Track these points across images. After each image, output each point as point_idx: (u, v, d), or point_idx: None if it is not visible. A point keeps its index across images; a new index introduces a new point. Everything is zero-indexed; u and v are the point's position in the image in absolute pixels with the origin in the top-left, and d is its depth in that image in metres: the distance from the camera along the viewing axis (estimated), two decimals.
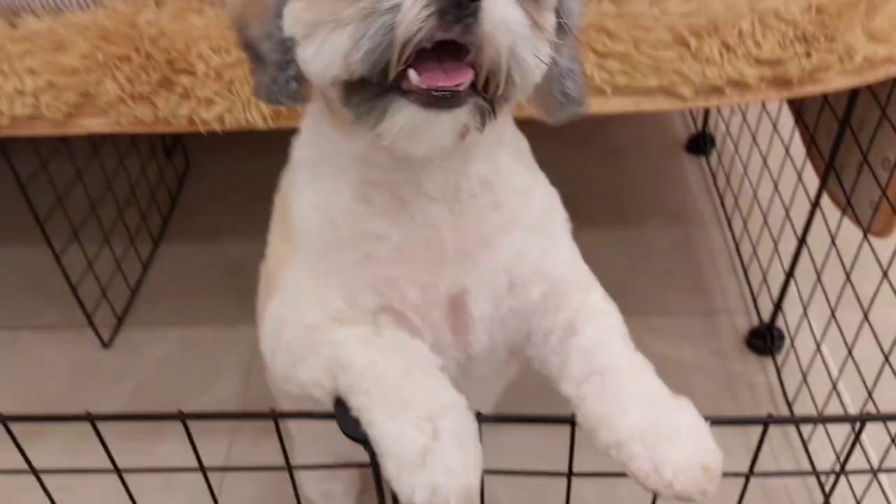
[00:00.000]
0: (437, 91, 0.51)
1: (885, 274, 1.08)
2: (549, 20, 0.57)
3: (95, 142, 1.55)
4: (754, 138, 1.56)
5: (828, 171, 1.22)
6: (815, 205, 1.26)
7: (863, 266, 1.15)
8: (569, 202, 1.93)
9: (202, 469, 0.75)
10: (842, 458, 0.80)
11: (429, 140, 0.55)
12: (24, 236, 1.66)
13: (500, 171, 0.66)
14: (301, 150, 0.68)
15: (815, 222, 1.26)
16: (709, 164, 1.87)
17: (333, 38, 0.53)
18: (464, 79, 0.51)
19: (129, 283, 1.61)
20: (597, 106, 1.05)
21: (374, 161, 0.62)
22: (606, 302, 0.71)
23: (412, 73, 0.51)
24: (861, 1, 1.02)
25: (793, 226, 1.36)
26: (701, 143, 1.91)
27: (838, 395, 1.23)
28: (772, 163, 1.49)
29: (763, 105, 1.56)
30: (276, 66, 0.58)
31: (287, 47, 0.57)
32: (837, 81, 1.02)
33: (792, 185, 1.37)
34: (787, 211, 1.39)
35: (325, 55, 0.53)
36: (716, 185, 1.79)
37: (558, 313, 0.69)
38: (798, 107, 1.38)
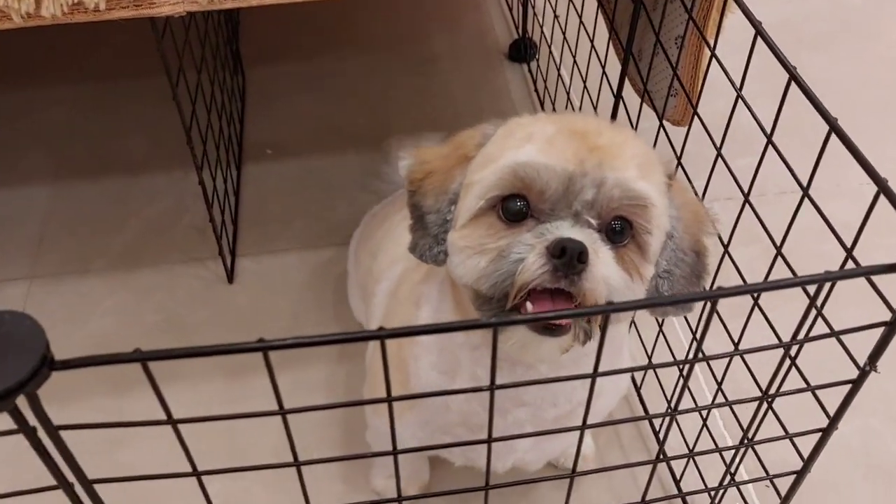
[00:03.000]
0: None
1: (679, 161, 1.00)
2: (649, 271, 0.67)
3: None
4: (565, 36, 1.46)
5: (626, 55, 1.13)
6: (618, 96, 1.17)
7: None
8: (383, 114, 1.80)
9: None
10: None
11: (535, 355, 0.68)
12: None
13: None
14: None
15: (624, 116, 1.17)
16: (530, 70, 1.77)
17: (474, 259, 0.65)
18: (566, 324, 0.64)
19: None
20: None
21: (480, 357, 0.75)
22: None
23: (528, 304, 0.63)
24: None
25: None
26: (522, 50, 1.81)
27: None
28: (581, 60, 1.39)
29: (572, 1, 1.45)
30: (434, 238, 0.70)
31: (447, 228, 0.69)
32: None
33: (602, 79, 1.28)
34: (595, 108, 1.30)
35: (466, 269, 0.66)
36: (536, 90, 1.70)
37: None
38: None
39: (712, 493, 0.79)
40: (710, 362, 1.01)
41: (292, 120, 1.66)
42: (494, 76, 1.78)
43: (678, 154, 0.99)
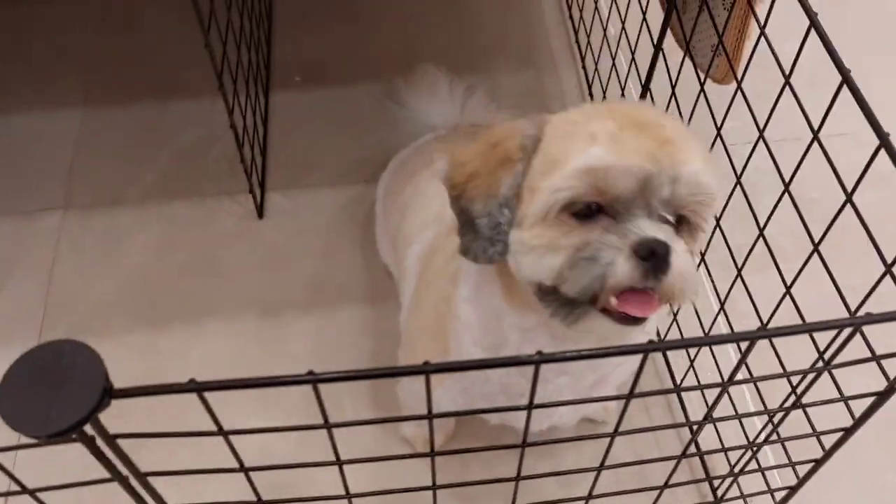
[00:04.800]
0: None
1: (718, 131, 0.98)
2: (697, 252, 0.71)
3: None
4: None
5: (670, 7, 1.09)
6: (658, 48, 1.14)
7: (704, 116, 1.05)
8: (414, 40, 1.74)
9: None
10: None
11: (613, 340, 0.70)
12: None
13: None
14: (466, 308, 0.81)
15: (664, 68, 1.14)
16: None
17: (548, 258, 0.66)
18: (654, 313, 0.65)
19: None
20: None
21: (533, 337, 0.76)
22: None
23: (613, 300, 0.64)
24: None
25: (638, 72, 1.24)
26: None
27: None
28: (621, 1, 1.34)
29: None
30: (488, 240, 0.69)
31: (502, 231, 0.69)
32: None
33: (642, 26, 1.24)
34: (633, 54, 1.26)
35: (540, 267, 0.67)
36: (571, 18, 1.64)
37: None
38: None
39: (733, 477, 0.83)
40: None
41: (321, 44, 1.63)
42: (526, 2, 1.72)
43: (719, 125, 0.97)
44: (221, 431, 0.58)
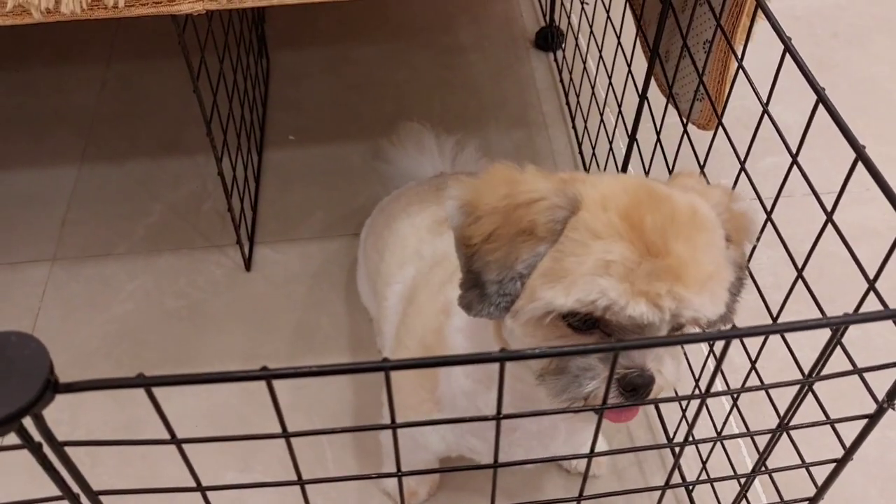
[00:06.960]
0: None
1: (702, 169, 0.98)
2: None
3: None
4: (591, 30, 1.43)
5: (653, 56, 1.10)
6: (643, 97, 1.15)
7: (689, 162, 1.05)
8: (408, 102, 1.77)
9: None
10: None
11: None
12: None
13: None
14: (459, 338, 0.79)
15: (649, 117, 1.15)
16: (556, 60, 1.74)
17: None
18: (633, 419, 0.66)
19: None
20: None
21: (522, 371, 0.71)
22: None
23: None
24: None
25: (625, 123, 1.25)
26: (549, 38, 1.78)
27: None
28: (608, 54, 1.37)
29: None
30: (494, 306, 0.65)
31: (509, 299, 0.64)
32: None
33: (628, 78, 1.25)
34: (619, 107, 1.28)
35: (526, 363, 0.66)
36: (561, 81, 1.67)
37: None
38: None
39: None
40: (731, 383, 0.99)
41: (316, 105, 1.66)
42: (520, 65, 1.76)
43: (702, 163, 0.97)
44: (175, 440, 0.56)
